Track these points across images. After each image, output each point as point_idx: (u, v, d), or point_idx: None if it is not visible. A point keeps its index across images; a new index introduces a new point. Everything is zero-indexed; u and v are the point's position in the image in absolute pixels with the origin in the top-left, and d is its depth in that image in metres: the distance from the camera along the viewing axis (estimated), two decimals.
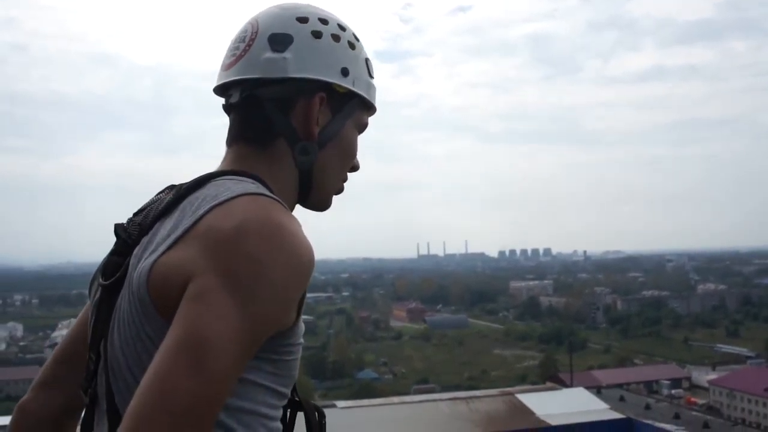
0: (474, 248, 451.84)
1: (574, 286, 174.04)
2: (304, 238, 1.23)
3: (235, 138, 1.44)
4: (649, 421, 40.80)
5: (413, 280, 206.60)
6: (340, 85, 1.43)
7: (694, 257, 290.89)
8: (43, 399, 1.51)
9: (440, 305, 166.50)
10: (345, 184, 1.54)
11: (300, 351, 1.31)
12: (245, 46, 1.42)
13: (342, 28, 1.47)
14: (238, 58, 1.42)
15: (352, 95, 1.46)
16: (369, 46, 1.55)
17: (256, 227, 1.17)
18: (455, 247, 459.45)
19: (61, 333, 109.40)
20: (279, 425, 1.31)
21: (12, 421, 1.53)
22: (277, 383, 1.27)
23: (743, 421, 59.94)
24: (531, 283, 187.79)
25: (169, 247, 1.20)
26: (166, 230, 1.26)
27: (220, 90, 1.48)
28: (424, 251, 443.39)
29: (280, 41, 1.40)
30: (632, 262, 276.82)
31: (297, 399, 1.41)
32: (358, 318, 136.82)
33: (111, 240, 1.36)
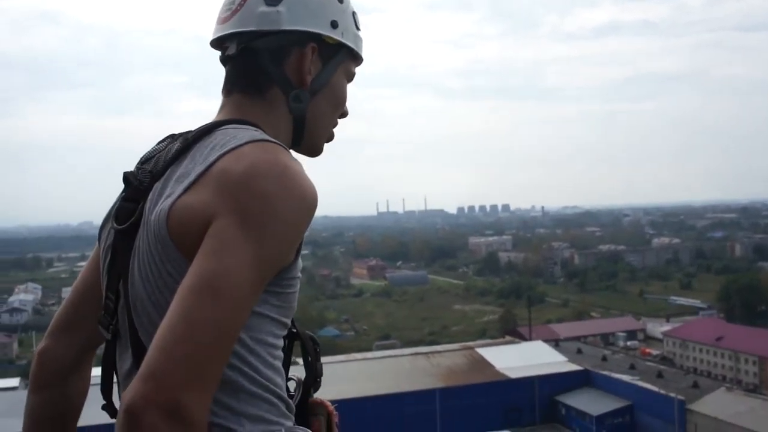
0: (433, 205, 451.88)
1: (532, 242, 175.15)
2: (308, 179, 1.33)
3: (232, 88, 1.53)
4: (606, 372, 41.86)
5: (373, 238, 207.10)
6: (330, 37, 1.54)
7: (650, 212, 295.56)
8: (61, 343, 1.60)
9: (400, 262, 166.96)
10: (335, 131, 1.64)
11: (299, 284, 1.41)
12: (240, 0, 1.52)
13: None
14: (234, 12, 1.52)
15: (341, 46, 1.57)
16: None
17: (266, 169, 1.27)
18: (414, 204, 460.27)
19: (18, 297, 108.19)
20: (281, 353, 1.40)
21: (33, 368, 1.61)
22: (280, 314, 1.37)
23: (695, 370, 61.71)
24: (490, 239, 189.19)
25: (185, 191, 1.29)
26: (178, 176, 1.35)
27: (216, 43, 1.58)
28: (383, 208, 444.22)
29: None
30: (589, 217, 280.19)
31: (294, 330, 1.54)
32: (319, 276, 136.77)
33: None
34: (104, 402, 1.50)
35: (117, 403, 1.41)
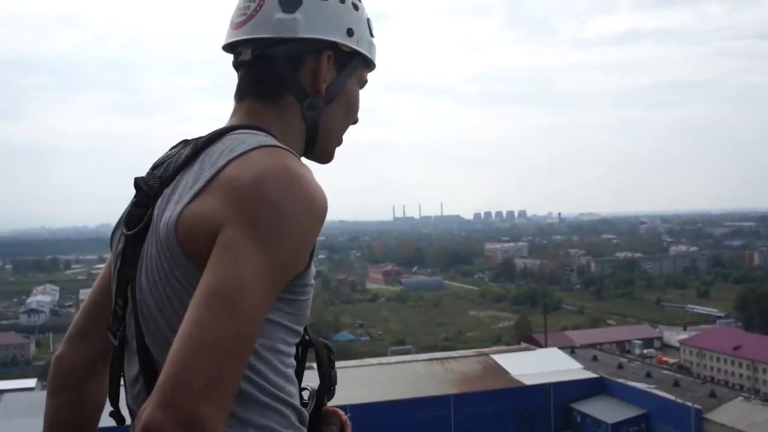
0: (449, 210, 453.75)
1: (548, 248, 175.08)
2: (318, 185, 1.32)
3: (245, 94, 1.52)
4: (621, 380, 41.66)
5: (389, 243, 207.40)
6: (345, 45, 1.53)
7: (667, 219, 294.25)
8: (78, 349, 1.61)
9: (416, 267, 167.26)
10: (344, 137, 1.64)
11: (312, 292, 1.40)
12: (256, 6, 1.49)
13: None
14: (249, 17, 1.49)
15: (355, 54, 1.56)
16: None
17: (274, 175, 1.25)
18: (431, 209, 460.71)
19: (36, 299, 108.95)
20: (293, 361, 1.39)
21: (50, 374, 1.63)
22: (293, 322, 1.36)
23: (712, 379, 61.25)
24: (506, 245, 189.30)
25: (193, 198, 1.29)
26: (187, 182, 1.34)
27: (229, 48, 1.56)
28: (399, 213, 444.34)
29: (290, 2, 1.48)
30: (606, 224, 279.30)
31: (308, 338, 1.52)
32: (335, 280, 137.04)
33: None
34: (111, 409, 1.51)
35: (123, 409, 1.46)
